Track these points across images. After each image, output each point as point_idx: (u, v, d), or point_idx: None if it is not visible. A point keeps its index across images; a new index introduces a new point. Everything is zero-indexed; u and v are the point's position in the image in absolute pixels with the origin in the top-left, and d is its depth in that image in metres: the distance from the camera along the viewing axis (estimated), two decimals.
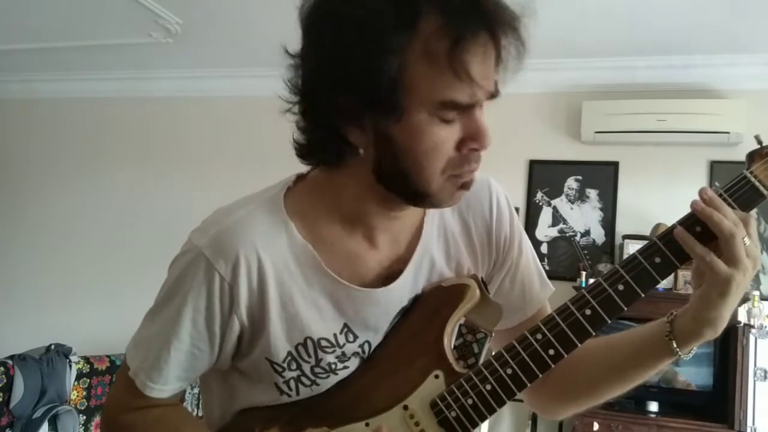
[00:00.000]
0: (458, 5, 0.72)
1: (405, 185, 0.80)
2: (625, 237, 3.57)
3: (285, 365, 0.87)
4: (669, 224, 0.86)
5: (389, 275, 0.90)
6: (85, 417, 3.11)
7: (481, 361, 0.91)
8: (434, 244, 0.94)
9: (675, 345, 0.85)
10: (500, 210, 0.98)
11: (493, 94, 0.78)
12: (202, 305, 0.84)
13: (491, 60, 0.75)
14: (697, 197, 0.82)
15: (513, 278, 1.01)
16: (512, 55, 0.76)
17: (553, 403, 1.02)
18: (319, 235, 0.87)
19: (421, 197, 0.81)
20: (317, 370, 0.88)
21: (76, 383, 3.04)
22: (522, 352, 0.86)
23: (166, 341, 0.86)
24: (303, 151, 0.86)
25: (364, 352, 0.91)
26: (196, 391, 3.42)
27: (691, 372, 3.35)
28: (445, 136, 0.76)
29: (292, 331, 0.86)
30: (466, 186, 0.82)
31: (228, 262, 0.83)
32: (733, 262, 0.78)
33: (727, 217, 0.79)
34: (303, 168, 0.93)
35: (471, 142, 0.78)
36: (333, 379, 0.89)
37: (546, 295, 1.03)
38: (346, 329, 0.89)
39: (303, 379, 0.88)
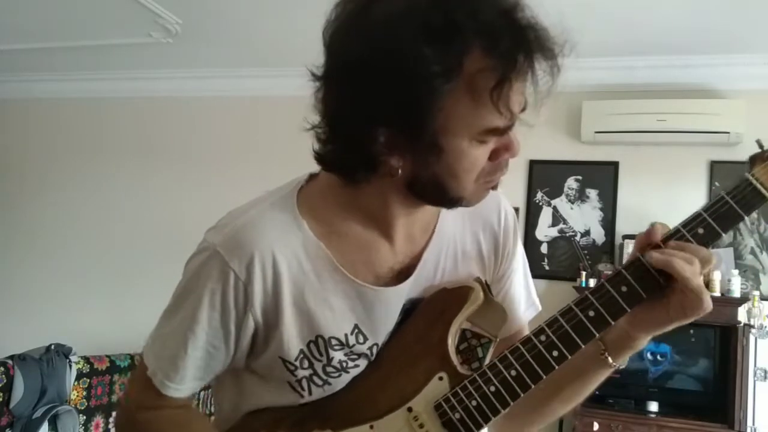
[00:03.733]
0: (503, 43, 0.72)
1: (439, 195, 0.83)
2: (625, 237, 3.57)
3: (297, 363, 0.88)
4: (670, 224, 0.87)
5: (401, 270, 0.92)
6: (85, 417, 3.10)
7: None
8: (444, 246, 0.95)
9: (611, 360, 0.91)
10: (507, 225, 1.01)
11: (524, 110, 0.80)
12: (218, 303, 0.85)
13: (528, 87, 0.77)
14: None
15: (504, 295, 1.03)
16: (547, 79, 0.77)
17: (505, 428, 1.02)
18: (334, 229, 0.88)
19: (452, 202, 0.84)
20: (329, 369, 0.89)
21: (76, 383, 3.03)
22: (526, 354, 0.86)
23: (183, 339, 0.87)
24: (327, 165, 0.85)
25: (372, 354, 0.91)
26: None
27: (691, 372, 3.35)
28: (482, 153, 0.80)
29: (304, 328, 0.87)
30: (494, 188, 0.86)
31: (242, 260, 0.84)
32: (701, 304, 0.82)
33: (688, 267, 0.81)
34: (303, 168, 0.93)
35: (504, 152, 0.81)
36: (345, 378, 0.90)
37: (528, 317, 1.05)
38: (356, 330, 0.89)
39: (315, 378, 0.89)
